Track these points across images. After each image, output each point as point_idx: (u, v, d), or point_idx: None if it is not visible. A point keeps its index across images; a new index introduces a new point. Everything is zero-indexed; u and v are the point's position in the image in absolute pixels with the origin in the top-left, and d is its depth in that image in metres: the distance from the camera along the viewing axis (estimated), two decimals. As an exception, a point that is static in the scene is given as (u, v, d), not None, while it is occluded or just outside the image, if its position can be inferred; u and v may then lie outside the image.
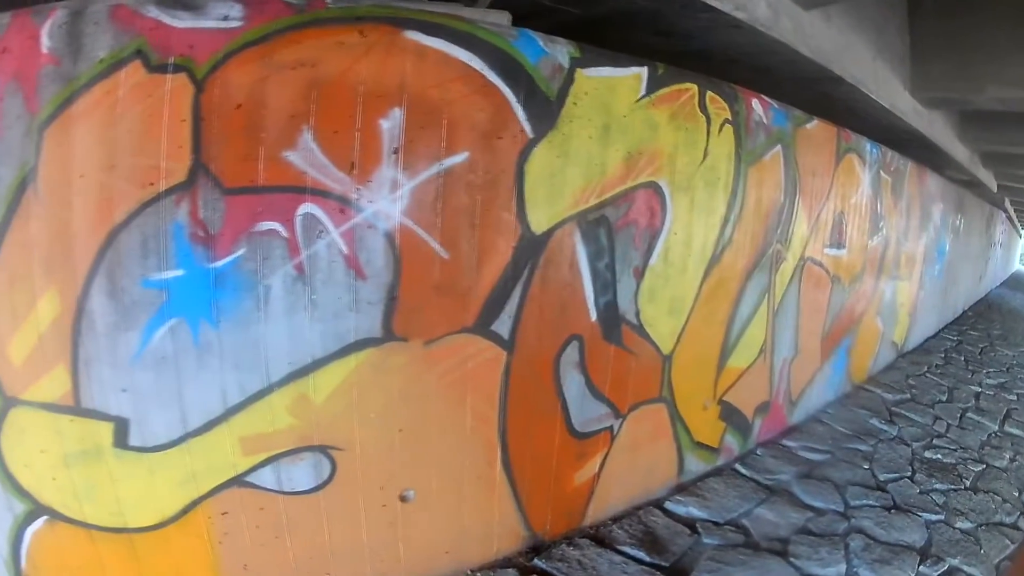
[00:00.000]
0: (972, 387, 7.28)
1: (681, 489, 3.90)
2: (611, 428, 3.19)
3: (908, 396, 6.53)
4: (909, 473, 4.68)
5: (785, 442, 4.93)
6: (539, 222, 2.55)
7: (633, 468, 3.48)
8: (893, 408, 6.10)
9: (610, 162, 2.79)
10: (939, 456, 5.08)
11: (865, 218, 5.69)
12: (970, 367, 8.27)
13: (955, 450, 5.27)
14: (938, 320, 10.00)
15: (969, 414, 6.27)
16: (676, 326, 3.52)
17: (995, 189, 11.31)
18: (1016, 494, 4.64)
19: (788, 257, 4.43)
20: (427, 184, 2.19)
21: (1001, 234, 18.29)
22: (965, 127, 8.40)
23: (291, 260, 2.00)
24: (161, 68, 1.81)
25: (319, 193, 2.01)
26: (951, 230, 9.63)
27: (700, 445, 4.01)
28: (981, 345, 9.88)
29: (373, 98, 2.03)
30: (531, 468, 2.84)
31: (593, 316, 2.94)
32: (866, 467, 4.68)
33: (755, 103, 3.78)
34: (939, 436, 5.54)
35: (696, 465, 4.02)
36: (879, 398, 6.35)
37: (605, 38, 3.12)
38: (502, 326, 2.54)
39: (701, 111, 3.32)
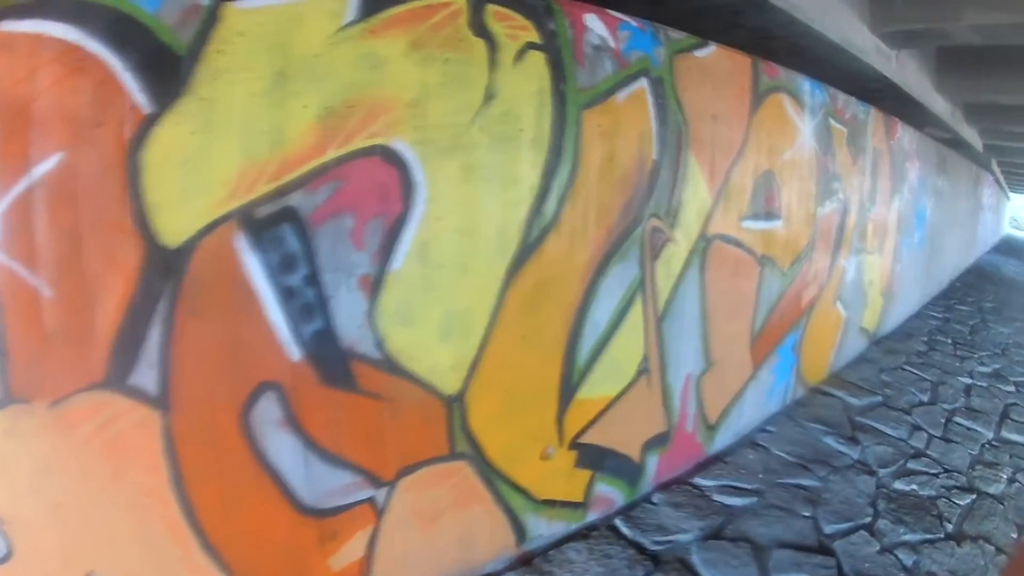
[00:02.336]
0: (961, 379, 6.04)
1: (525, 561, 2.79)
2: (371, 499, 2.25)
3: (879, 399, 5.28)
4: (868, 518, 3.47)
5: (699, 480, 3.69)
6: (173, 231, 1.79)
7: (433, 544, 2.45)
8: (858, 418, 4.84)
9: (293, 126, 1.88)
10: (914, 487, 3.84)
11: (809, 179, 4.41)
12: (959, 352, 7.02)
13: (936, 475, 4.03)
14: (921, 296, 8.73)
15: (957, 418, 5.04)
16: (462, 354, 2.33)
17: (981, 149, 10.03)
18: (1014, 536, 3.46)
19: (677, 237, 3.14)
20: (17, 205, 1.65)
21: (989, 197, 17.06)
22: (943, 73, 7.26)
23: None
24: None
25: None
26: (932, 192, 8.34)
27: (551, 503, 2.86)
28: (971, 322, 8.62)
29: (-54, 115, 1.50)
30: (251, 553, 2.08)
31: (294, 354, 1.98)
32: (807, 514, 3.44)
33: (590, 19, 2.57)
34: (916, 456, 4.31)
35: (548, 528, 2.88)
36: (841, 404, 5.09)
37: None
38: (144, 378, 1.83)
39: (476, 34, 2.19)
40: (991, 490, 3.97)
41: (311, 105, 1.88)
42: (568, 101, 2.46)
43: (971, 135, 9.17)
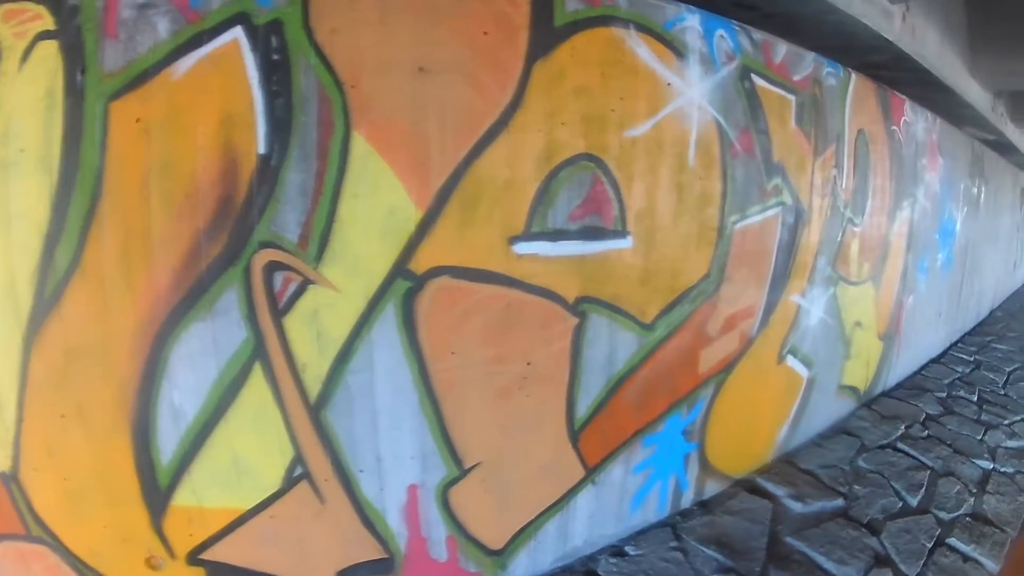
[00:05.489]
0: (978, 462, 4.19)
1: None
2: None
3: (839, 502, 3.54)
4: None
5: None
6: None
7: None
8: (789, 539, 3.15)
9: None
10: None
11: (706, 169, 2.75)
12: (984, 415, 5.09)
13: None
14: (948, 333, 6.76)
15: (953, 539, 3.31)
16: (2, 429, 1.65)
17: None
18: None
19: (334, 277, 1.88)
20: None
21: None
22: (977, 51, 5.43)
23: None
24: None
25: None
26: (964, 200, 6.35)
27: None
28: (1009, 368, 6.58)
29: None
30: None
31: None
32: None
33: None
34: (855, 629, 2.55)
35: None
36: (770, 512, 3.37)
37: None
38: None
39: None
40: None
41: None
42: (87, 95, 1.65)
43: (1018, 137, 7.15)
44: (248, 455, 1.90)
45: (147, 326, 1.72)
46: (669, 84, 2.54)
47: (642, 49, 2.43)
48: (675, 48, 2.56)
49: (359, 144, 1.83)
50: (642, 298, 2.61)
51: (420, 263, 1.98)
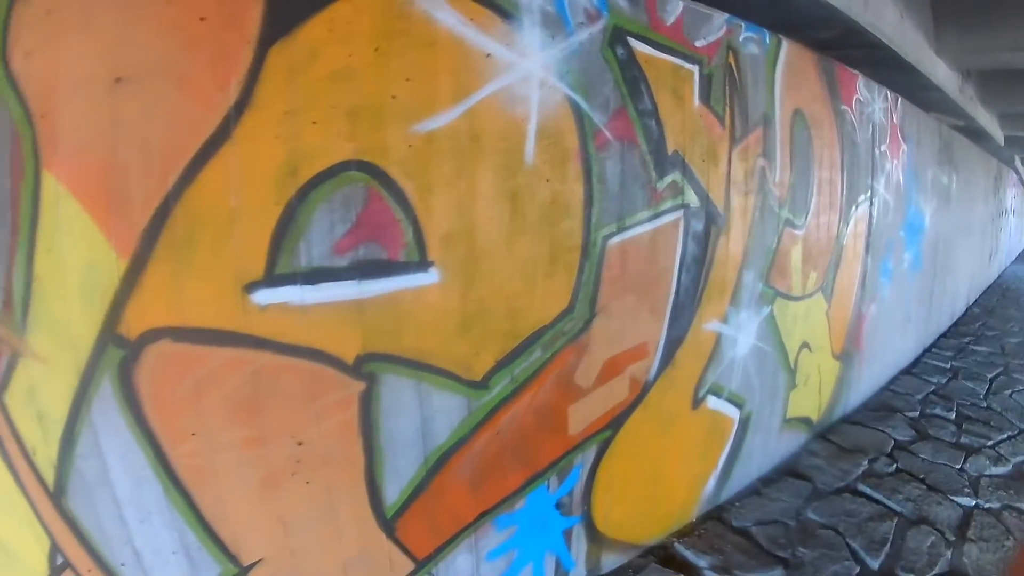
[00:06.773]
0: (957, 500, 3.53)
1: None
2: None
3: (778, 573, 2.89)
4: None
5: None
6: None
7: None
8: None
9: None
10: None
11: (556, 173, 2.08)
12: (964, 436, 4.41)
13: None
14: (920, 338, 6.09)
15: None
16: None
17: (1002, 141, 7.28)
18: None
19: (40, 347, 1.45)
20: None
21: (1013, 199, 13.99)
22: (943, 27, 4.94)
23: None
24: None
25: None
26: (934, 192, 5.67)
27: None
28: (991, 374, 5.91)
29: None
30: None
31: None
32: None
33: None
34: None
35: None
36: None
37: None
38: None
39: None
40: None
41: None
42: None
43: (989, 123, 6.52)
44: (10, 540, 1.61)
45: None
46: (489, 55, 1.85)
47: (442, 12, 1.74)
48: (498, 7, 1.86)
49: (50, 186, 1.38)
50: (464, 349, 1.92)
51: (131, 326, 1.47)
